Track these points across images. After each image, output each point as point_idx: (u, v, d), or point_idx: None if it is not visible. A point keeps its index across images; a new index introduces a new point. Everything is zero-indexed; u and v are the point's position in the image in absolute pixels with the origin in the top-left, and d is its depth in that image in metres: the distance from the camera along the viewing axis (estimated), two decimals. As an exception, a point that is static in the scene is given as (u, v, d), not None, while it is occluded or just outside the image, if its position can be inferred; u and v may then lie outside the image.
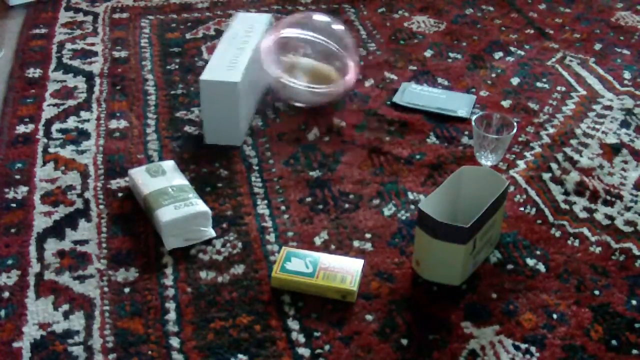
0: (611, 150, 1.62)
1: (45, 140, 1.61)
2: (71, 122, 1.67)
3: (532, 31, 2.10)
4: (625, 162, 1.59)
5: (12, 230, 1.37)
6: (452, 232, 1.23)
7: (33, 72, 1.84)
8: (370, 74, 1.88)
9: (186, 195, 1.38)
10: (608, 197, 1.49)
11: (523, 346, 1.19)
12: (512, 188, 1.51)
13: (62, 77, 1.83)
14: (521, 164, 1.58)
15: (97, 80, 1.82)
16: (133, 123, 1.67)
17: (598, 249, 1.37)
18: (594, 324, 1.22)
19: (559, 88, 1.84)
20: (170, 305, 1.23)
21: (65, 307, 1.23)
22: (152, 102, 1.74)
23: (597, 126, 1.70)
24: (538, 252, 1.36)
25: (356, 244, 1.37)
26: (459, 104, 1.75)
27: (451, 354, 1.17)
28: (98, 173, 1.52)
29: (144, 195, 1.39)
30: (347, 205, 1.46)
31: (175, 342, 1.17)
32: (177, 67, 1.88)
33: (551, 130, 1.68)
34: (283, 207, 1.45)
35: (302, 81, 1.66)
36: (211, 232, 1.37)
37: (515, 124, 1.55)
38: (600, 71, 1.91)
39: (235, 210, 1.44)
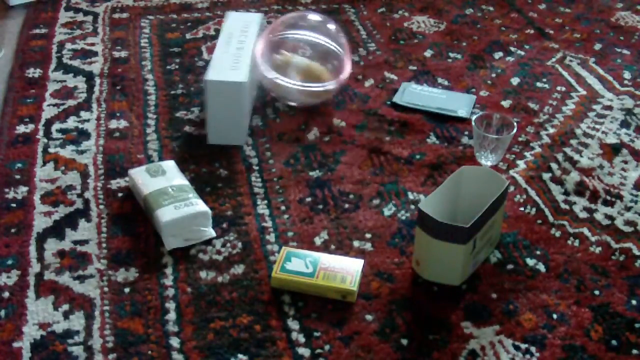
0: (611, 150, 1.62)
1: (45, 140, 1.61)
2: (71, 122, 1.67)
3: (532, 31, 2.10)
4: (625, 162, 1.59)
5: (12, 230, 1.37)
6: (452, 232, 1.23)
7: (33, 72, 1.84)
8: (370, 74, 1.88)
9: (186, 195, 1.38)
10: (608, 197, 1.49)
11: (523, 346, 1.19)
12: (512, 188, 1.51)
13: (62, 77, 1.83)
14: (521, 164, 1.58)
15: (97, 80, 1.82)
16: (133, 123, 1.67)
17: (598, 249, 1.37)
18: (594, 324, 1.22)
19: (559, 88, 1.84)
20: (170, 305, 1.23)
21: (65, 307, 1.23)
22: (152, 102, 1.74)
23: (597, 126, 1.70)
24: (538, 252, 1.36)
25: (356, 244, 1.37)
26: (459, 104, 1.75)
27: (451, 354, 1.17)
28: (98, 173, 1.52)
29: (144, 195, 1.39)
30: (347, 205, 1.46)
31: (175, 342, 1.17)
32: (177, 67, 1.88)
33: (551, 130, 1.68)
34: (283, 207, 1.45)
35: (295, 80, 1.67)
36: (211, 232, 1.37)
37: (515, 124, 1.55)
38: (600, 71, 1.91)
39: (235, 210, 1.44)
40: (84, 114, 1.69)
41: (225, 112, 1.57)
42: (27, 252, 1.33)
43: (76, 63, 1.88)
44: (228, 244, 1.36)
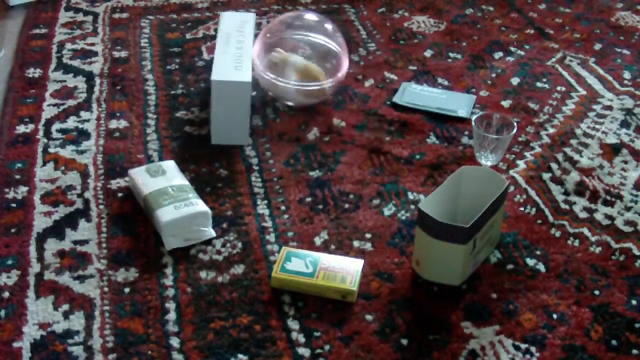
0: (611, 150, 1.62)
1: (45, 140, 1.61)
2: (71, 122, 1.67)
3: (532, 31, 2.10)
4: (625, 162, 1.59)
5: (12, 230, 1.37)
6: (452, 232, 1.23)
7: (33, 72, 1.84)
8: (370, 74, 1.88)
9: (186, 195, 1.38)
10: (608, 197, 1.49)
11: (523, 346, 1.19)
12: (512, 188, 1.51)
13: (62, 77, 1.83)
14: (521, 164, 1.58)
15: (97, 80, 1.82)
16: (133, 123, 1.67)
17: (598, 249, 1.37)
18: (594, 324, 1.22)
19: (559, 88, 1.84)
20: (170, 305, 1.23)
21: (65, 307, 1.23)
22: (152, 102, 1.74)
23: (597, 126, 1.70)
24: (538, 252, 1.36)
25: (356, 244, 1.37)
26: (459, 104, 1.75)
27: (451, 354, 1.17)
28: (98, 173, 1.52)
29: (144, 195, 1.39)
30: (347, 205, 1.46)
31: (175, 342, 1.17)
32: (177, 67, 1.88)
33: (551, 130, 1.68)
34: (283, 207, 1.45)
35: (292, 79, 1.67)
36: (211, 232, 1.37)
37: (515, 124, 1.55)
38: (600, 71, 1.91)
39: (235, 210, 1.44)
40: (84, 114, 1.69)
41: (230, 113, 1.57)
42: (27, 252, 1.33)
43: (76, 63, 1.88)
44: (228, 244, 1.36)
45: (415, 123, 1.70)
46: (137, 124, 1.67)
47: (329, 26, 1.79)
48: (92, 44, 1.97)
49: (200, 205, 1.37)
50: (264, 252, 1.34)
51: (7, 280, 1.27)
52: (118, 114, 1.70)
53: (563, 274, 1.32)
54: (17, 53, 1.93)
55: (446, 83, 1.85)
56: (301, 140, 1.64)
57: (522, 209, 1.46)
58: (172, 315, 1.22)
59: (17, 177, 1.50)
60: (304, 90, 1.69)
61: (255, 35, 1.77)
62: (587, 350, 1.18)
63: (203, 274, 1.30)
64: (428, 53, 1.98)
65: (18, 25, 2.07)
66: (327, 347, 1.17)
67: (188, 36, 2.02)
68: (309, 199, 1.47)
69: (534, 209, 1.46)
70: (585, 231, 1.41)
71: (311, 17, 1.85)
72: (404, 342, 1.19)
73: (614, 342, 1.20)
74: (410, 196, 1.49)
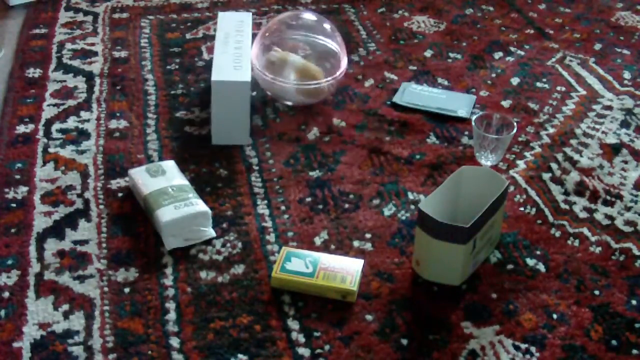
0: (611, 150, 1.62)
1: (45, 140, 1.61)
2: (71, 122, 1.67)
3: (532, 31, 2.10)
4: (625, 162, 1.59)
5: (12, 230, 1.37)
6: (452, 232, 1.23)
7: (33, 72, 1.84)
8: (370, 74, 1.88)
9: (186, 195, 1.38)
10: (608, 197, 1.49)
11: (523, 346, 1.19)
12: (512, 188, 1.51)
13: (62, 77, 1.83)
14: (521, 164, 1.58)
15: (97, 80, 1.82)
16: (133, 123, 1.67)
17: (598, 249, 1.37)
18: (594, 324, 1.22)
19: (559, 88, 1.84)
20: (170, 305, 1.23)
21: (65, 307, 1.23)
22: (152, 102, 1.74)
23: (597, 126, 1.70)
24: (538, 252, 1.36)
25: (356, 244, 1.37)
26: (459, 104, 1.75)
27: (451, 354, 1.17)
28: (98, 173, 1.52)
29: (144, 195, 1.39)
30: (347, 205, 1.46)
31: (175, 342, 1.17)
32: (177, 67, 1.88)
33: (551, 130, 1.69)
34: (283, 207, 1.45)
35: (290, 78, 1.67)
36: (211, 232, 1.37)
37: (515, 124, 1.55)
38: (600, 71, 1.91)
39: (235, 210, 1.44)
40: (84, 114, 1.69)
41: (230, 113, 1.57)
42: (27, 252, 1.33)
43: (76, 63, 1.88)
44: (228, 244, 1.36)
45: (415, 123, 1.70)
46: (137, 124, 1.67)
47: (327, 26, 1.79)
48: (92, 44, 1.97)
49: (200, 205, 1.37)
50: (264, 252, 1.34)
51: (7, 280, 1.27)
52: (118, 114, 1.70)
53: (563, 274, 1.32)
54: (17, 53, 1.93)
55: (446, 83, 1.85)
56: (301, 140, 1.64)
57: (522, 209, 1.46)
58: (172, 315, 1.22)
59: (17, 177, 1.50)
60: (301, 89, 1.69)
61: (254, 35, 1.77)
62: (587, 350, 1.18)
63: (203, 274, 1.30)
64: (428, 53, 1.98)
65: (18, 25, 2.07)
66: (327, 347, 1.17)
67: (188, 36, 2.02)
68: (309, 199, 1.47)
69: (534, 209, 1.46)
70: (585, 231, 1.41)
71: (310, 16, 1.85)
72: (404, 342, 1.19)
73: (614, 342, 1.20)
74: (410, 196, 1.49)
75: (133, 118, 1.69)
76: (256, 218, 1.42)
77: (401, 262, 1.33)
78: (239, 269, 1.31)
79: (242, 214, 1.43)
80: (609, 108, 1.77)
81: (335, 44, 1.76)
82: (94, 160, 1.55)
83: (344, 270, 1.28)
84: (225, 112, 1.57)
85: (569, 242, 1.38)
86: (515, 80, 1.86)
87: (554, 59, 1.96)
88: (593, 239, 1.39)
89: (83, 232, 1.37)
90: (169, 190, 1.39)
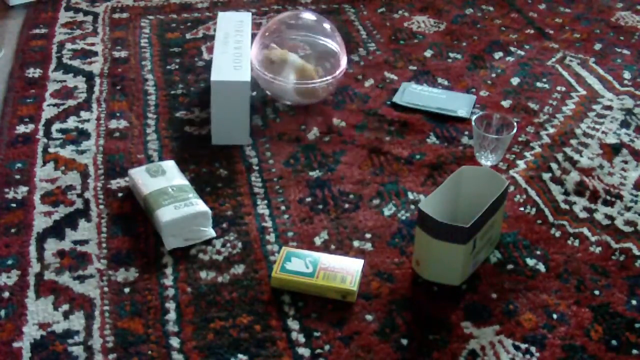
0: (611, 150, 1.62)
1: (45, 140, 1.61)
2: (71, 122, 1.67)
3: (532, 31, 2.10)
4: (625, 162, 1.59)
5: (12, 230, 1.37)
6: (452, 232, 1.23)
7: (33, 72, 1.84)
8: (370, 74, 1.88)
9: (186, 195, 1.38)
10: (608, 197, 1.49)
11: (523, 346, 1.19)
12: (512, 188, 1.51)
13: (62, 77, 1.83)
14: (521, 164, 1.58)
15: (97, 80, 1.82)
16: (133, 123, 1.67)
17: (598, 249, 1.37)
18: (594, 324, 1.22)
19: (559, 88, 1.84)
20: (170, 305, 1.23)
21: (65, 307, 1.23)
22: (152, 102, 1.74)
23: (597, 126, 1.70)
24: (538, 252, 1.36)
25: (356, 244, 1.37)
26: (459, 104, 1.75)
27: (451, 354, 1.17)
28: (98, 173, 1.52)
29: (144, 195, 1.39)
30: (347, 205, 1.46)
31: (175, 342, 1.17)
32: (177, 67, 1.88)
33: (551, 130, 1.69)
34: (283, 207, 1.45)
35: (289, 78, 1.67)
36: (211, 232, 1.37)
37: (515, 124, 1.55)
38: (600, 71, 1.91)
39: (235, 210, 1.44)
40: (84, 114, 1.69)
41: (230, 113, 1.57)
42: (27, 252, 1.33)
43: (76, 63, 1.88)
44: (228, 244, 1.36)
45: (415, 123, 1.70)
46: (137, 124, 1.67)
47: (327, 26, 1.79)
48: (92, 44, 1.97)
49: (200, 205, 1.37)
50: (264, 252, 1.34)
51: (7, 280, 1.27)
52: (118, 114, 1.70)
53: (563, 274, 1.32)
54: (17, 53, 1.93)
55: (446, 83, 1.85)
56: (301, 140, 1.64)
57: (522, 209, 1.46)
58: (172, 315, 1.22)
59: (17, 177, 1.50)
60: (298, 88, 1.69)
61: (254, 35, 1.77)
62: (587, 350, 1.18)
63: (203, 274, 1.30)
64: (428, 53, 1.98)
65: (18, 25, 2.07)
66: (327, 347, 1.17)
67: (188, 36, 2.02)
68: (309, 199, 1.47)
69: (534, 209, 1.46)
70: (585, 231, 1.41)
71: (309, 16, 1.85)
72: (404, 342, 1.19)
73: (614, 342, 1.20)
74: (410, 196, 1.49)
75: (133, 118, 1.69)
76: (256, 218, 1.42)
77: (401, 262, 1.33)
78: (239, 269, 1.31)
79: (242, 214, 1.43)
80: (609, 108, 1.77)
81: (335, 44, 1.76)
82: (94, 160, 1.55)
83: (344, 270, 1.28)
84: (225, 112, 1.57)
85: (569, 242, 1.38)
86: (515, 80, 1.86)
87: (554, 59, 1.96)
88: (593, 239, 1.39)
89: (83, 232, 1.37)
90: (169, 190, 1.39)
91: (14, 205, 1.43)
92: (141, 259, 1.32)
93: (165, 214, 1.34)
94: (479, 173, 1.37)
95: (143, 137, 1.62)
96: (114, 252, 1.33)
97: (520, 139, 1.65)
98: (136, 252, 1.33)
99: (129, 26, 2.06)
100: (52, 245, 1.34)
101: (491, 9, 2.22)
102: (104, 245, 1.35)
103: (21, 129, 1.64)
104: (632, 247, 1.37)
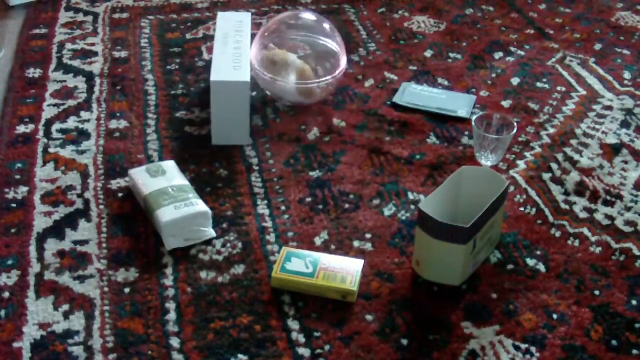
0: (611, 150, 1.62)
1: (45, 140, 1.61)
2: (71, 122, 1.67)
3: (532, 31, 2.10)
4: (625, 162, 1.59)
5: (12, 230, 1.37)
6: (452, 232, 1.23)
7: (33, 72, 1.84)
8: (370, 74, 1.88)
9: (186, 195, 1.38)
10: (608, 197, 1.49)
11: (523, 346, 1.19)
12: (512, 188, 1.51)
13: (62, 77, 1.83)
14: (521, 164, 1.58)
15: (97, 80, 1.82)
16: (133, 123, 1.67)
17: (598, 249, 1.37)
18: (594, 324, 1.22)
19: (559, 88, 1.84)
20: (170, 305, 1.23)
21: (65, 307, 1.23)
22: (152, 102, 1.74)
23: (597, 126, 1.70)
24: (538, 252, 1.36)
25: (356, 244, 1.37)
26: (459, 104, 1.75)
27: (451, 354, 1.17)
28: (98, 173, 1.52)
29: (144, 195, 1.39)
30: (347, 205, 1.46)
31: (175, 342, 1.17)
32: (177, 67, 1.88)
33: (551, 130, 1.69)
34: (283, 207, 1.45)
35: (290, 78, 1.67)
36: (211, 232, 1.37)
37: (515, 124, 1.55)
38: (600, 71, 1.91)
39: (235, 210, 1.44)
40: (84, 114, 1.69)
41: (230, 113, 1.57)
42: (27, 252, 1.33)
43: (76, 63, 1.88)
44: (228, 244, 1.36)
45: (415, 123, 1.70)
46: (137, 124, 1.67)
47: (327, 26, 1.79)
48: (92, 44, 1.97)
49: (200, 205, 1.37)
50: (264, 252, 1.34)
51: (7, 280, 1.27)
52: (118, 114, 1.70)
53: (563, 274, 1.32)
54: (17, 53, 1.93)
55: (446, 83, 1.85)
56: (301, 140, 1.64)
57: (522, 209, 1.46)
58: (172, 315, 1.22)
59: (17, 177, 1.50)
60: (298, 88, 1.69)
61: (253, 35, 1.77)
62: (587, 350, 1.18)
63: (203, 274, 1.30)
64: (428, 53, 1.98)
65: (18, 25, 2.07)
66: (327, 347, 1.17)
67: (188, 36, 2.02)
68: (309, 199, 1.47)
69: (534, 209, 1.46)
70: (585, 231, 1.41)
71: (309, 16, 1.85)
72: (404, 342, 1.19)
73: (614, 342, 1.20)
74: (410, 196, 1.49)
75: (133, 118, 1.69)
76: (256, 218, 1.42)
77: (401, 262, 1.33)
78: (239, 269, 1.31)
79: (242, 214, 1.43)
80: (609, 108, 1.77)
81: (334, 44, 1.76)
82: (94, 160, 1.55)
83: (344, 270, 1.28)
84: (224, 112, 1.57)
85: (569, 242, 1.38)
86: (515, 80, 1.86)
87: (554, 59, 1.96)
88: (593, 239, 1.39)
89: (83, 232, 1.37)
90: (169, 190, 1.39)
91: (14, 205, 1.43)
92: (141, 259, 1.32)
93: (165, 214, 1.34)
94: (479, 173, 1.37)
95: (143, 137, 1.62)
96: (114, 252, 1.33)
97: (520, 139, 1.65)
98: (136, 252, 1.33)
99: (129, 26, 2.06)
100: (52, 245, 1.34)
101: (491, 9, 2.22)
102: (104, 245, 1.35)
103: (21, 129, 1.64)
104: (632, 247, 1.37)
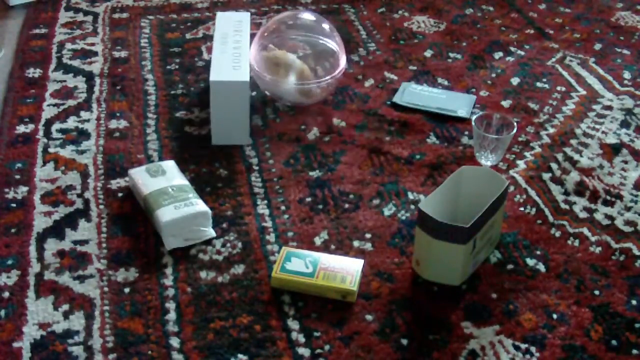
0: (611, 150, 1.62)
1: (45, 140, 1.61)
2: (71, 122, 1.67)
3: (532, 31, 2.10)
4: (625, 162, 1.59)
5: (12, 230, 1.37)
6: (452, 232, 1.23)
7: (33, 72, 1.84)
8: (370, 74, 1.88)
9: (186, 195, 1.38)
10: (608, 197, 1.49)
11: (523, 346, 1.19)
12: (512, 188, 1.51)
13: (62, 77, 1.83)
14: (521, 164, 1.58)
15: (97, 80, 1.82)
16: (133, 123, 1.67)
17: (598, 249, 1.37)
18: (594, 324, 1.22)
19: (559, 88, 1.84)
20: (170, 305, 1.23)
21: (65, 307, 1.23)
22: (152, 102, 1.74)
23: (597, 126, 1.70)
24: (538, 252, 1.36)
25: (356, 244, 1.37)
26: (459, 104, 1.75)
27: (451, 354, 1.17)
28: (98, 173, 1.52)
29: (144, 195, 1.39)
30: (347, 205, 1.46)
31: (175, 342, 1.17)
32: (177, 67, 1.88)
33: (551, 130, 1.69)
34: (283, 207, 1.45)
35: (290, 78, 1.67)
36: (211, 232, 1.37)
37: (515, 124, 1.55)
38: (600, 71, 1.91)
39: (235, 210, 1.44)
40: (84, 114, 1.69)
41: (229, 113, 1.57)
42: (27, 252, 1.33)
43: (76, 63, 1.88)
44: (228, 244, 1.36)
45: (415, 123, 1.70)
46: (137, 124, 1.67)
47: (326, 26, 1.79)
48: (92, 44, 1.97)
49: (200, 205, 1.37)
50: (264, 252, 1.34)
51: (7, 280, 1.27)
52: (118, 114, 1.70)
53: (563, 274, 1.32)
54: (17, 53, 1.93)
55: (446, 83, 1.85)
56: (301, 140, 1.64)
57: (522, 209, 1.46)
58: (172, 315, 1.22)
59: (17, 177, 1.50)
60: (298, 89, 1.69)
61: (253, 35, 1.77)
62: (587, 350, 1.18)
63: (203, 274, 1.30)
64: (428, 53, 1.98)
65: (18, 25, 2.07)
66: (327, 347, 1.17)
67: (188, 36, 2.02)
68: (309, 199, 1.47)
69: (534, 209, 1.46)
70: (585, 231, 1.41)
71: (309, 16, 1.85)
72: (404, 342, 1.19)
73: (614, 342, 1.20)
74: (410, 196, 1.49)
75: (133, 118, 1.69)
76: (256, 218, 1.42)
77: (401, 262, 1.33)
78: (239, 269, 1.31)
79: (242, 214, 1.43)
80: (609, 108, 1.77)
81: (334, 44, 1.76)
82: (94, 160, 1.55)
83: (344, 270, 1.28)
84: (224, 112, 1.57)
85: (569, 242, 1.38)
86: (515, 80, 1.86)
87: (554, 59, 1.96)
88: (593, 239, 1.39)
89: (83, 232, 1.37)
90: (169, 190, 1.39)
91: (14, 205, 1.43)
92: (141, 259, 1.32)
93: (165, 214, 1.34)
94: (479, 173, 1.37)
95: (143, 137, 1.62)
96: (114, 252, 1.33)
97: (520, 139, 1.65)
98: (136, 252, 1.33)
99: (129, 26, 2.06)
100: (52, 245, 1.34)
101: (491, 9, 2.22)
102: (104, 245, 1.35)
103: (21, 129, 1.64)
104: (632, 247, 1.37)
